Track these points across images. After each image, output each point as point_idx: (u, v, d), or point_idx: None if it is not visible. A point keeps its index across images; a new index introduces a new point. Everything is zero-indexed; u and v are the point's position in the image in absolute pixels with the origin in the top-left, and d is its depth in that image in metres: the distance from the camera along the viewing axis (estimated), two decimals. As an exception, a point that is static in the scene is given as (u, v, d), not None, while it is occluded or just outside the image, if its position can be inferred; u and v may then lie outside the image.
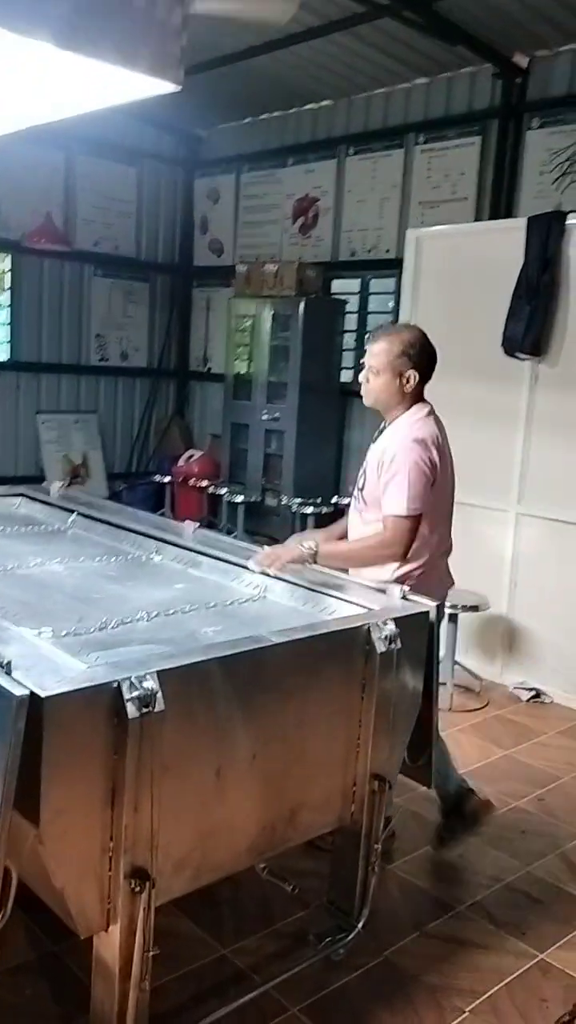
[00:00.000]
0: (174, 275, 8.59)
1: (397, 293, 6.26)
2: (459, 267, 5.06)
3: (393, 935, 2.58)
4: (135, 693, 1.77)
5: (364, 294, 7.29)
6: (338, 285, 7.44)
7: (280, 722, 2.12)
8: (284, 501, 6.83)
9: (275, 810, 2.16)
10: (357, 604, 2.46)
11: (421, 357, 2.78)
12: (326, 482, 7.11)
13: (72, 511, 3.48)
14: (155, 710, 1.79)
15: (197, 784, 1.97)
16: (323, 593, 2.57)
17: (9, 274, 7.70)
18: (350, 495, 3.01)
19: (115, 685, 1.77)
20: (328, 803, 2.30)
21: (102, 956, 1.93)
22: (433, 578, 2.82)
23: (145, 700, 1.78)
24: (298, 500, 6.57)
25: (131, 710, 1.76)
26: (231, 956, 2.46)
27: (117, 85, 1.98)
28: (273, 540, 3.44)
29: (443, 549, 2.91)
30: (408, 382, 2.77)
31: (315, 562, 2.69)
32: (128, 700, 1.76)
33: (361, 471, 2.93)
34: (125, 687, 1.77)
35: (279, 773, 2.14)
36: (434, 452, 2.72)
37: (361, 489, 2.88)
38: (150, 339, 8.50)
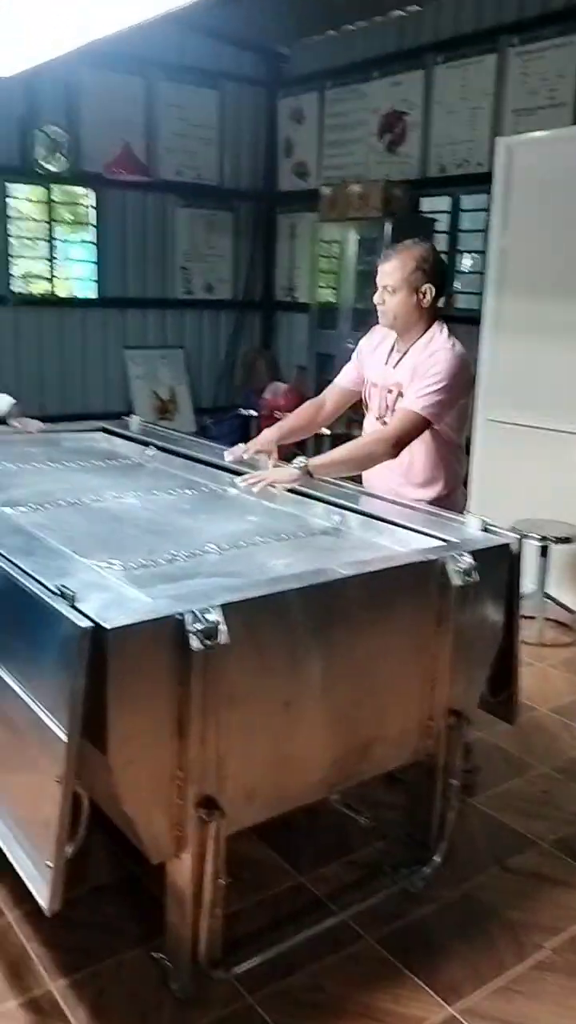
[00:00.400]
0: (258, 202, 8.40)
1: (489, 209, 5.94)
2: (555, 177, 4.73)
3: (473, 869, 2.55)
4: (198, 626, 1.75)
5: (455, 212, 6.97)
6: (427, 204, 7.12)
7: (351, 656, 2.08)
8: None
9: (347, 743, 2.13)
10: (435, 536, 2.37)
11: (435, 271, 2.79)
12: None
13: (149, 444, 3.47)
14: (219, 643, 1.76)
15: (265, 716, 1.95)
16: (401, 525, 2.48)
17: (93, 210, 7.67)
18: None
19: (179, 617, 1.75)
20: (403, 737, 2.26)
21: (175, 882, 1.96)
22: (461, 503, 2.92)
23: (208, 633, 1.75)
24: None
25: (194, 643, 1.74)
26: (308, 884, 2.48)
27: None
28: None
29: (464, 472, 2.98)
30: (425, 297, 2.77)
31: (312, 476, 2.69)
32: (191, 633, 1.74)
33: (380, 397, 2.90)
34: (188, 619, 1.75)
35: (351, 706, 2.11)
36: (471, 374, 2.77)
37: (392, 409, 2.83)
38: (234, 270, 8.38)
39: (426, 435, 2.76)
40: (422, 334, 2.82)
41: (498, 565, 2.33)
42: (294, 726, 2.01)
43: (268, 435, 3.12)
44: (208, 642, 1.75)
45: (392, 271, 2.76)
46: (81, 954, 2.20)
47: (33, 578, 1.87)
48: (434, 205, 7.08)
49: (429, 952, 2.24)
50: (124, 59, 7.34)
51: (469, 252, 7.11)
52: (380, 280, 2.80)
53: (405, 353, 2.85)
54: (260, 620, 1.90)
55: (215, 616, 1.76)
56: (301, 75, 7.98)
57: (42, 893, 1.77)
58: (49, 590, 1.80)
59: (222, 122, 8.08)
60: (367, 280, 7.04)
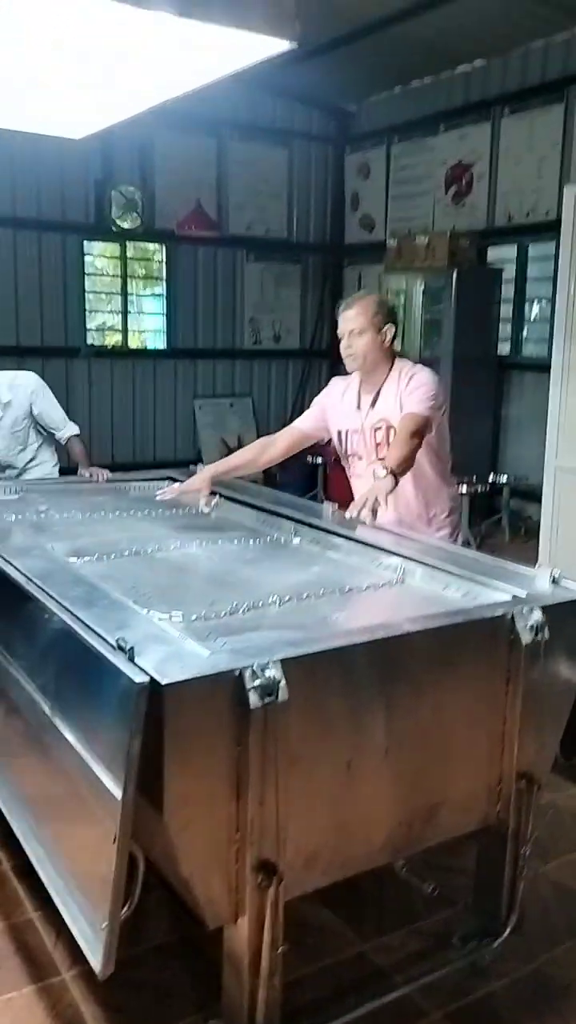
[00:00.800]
0: (325, 254, 8.53)
1: (557, 256, 5.89)
2: (625, 224, 4.67)
3: (546, 943, 2.41)
4: (257, 682, 1.70)
5: (522, 261, 6.95)
6: (493, 254, 7.14)
7: (416, 715, 2.00)
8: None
9: (411, 807, 2.05)
10: (503, 590, 2.29)
11: (392, 313, 3.05)
12: (482, 459, 6.87)
13: (215, 494, 3.47)
14: (278, 699, 1.72)
15: (327, 777, 1.89)
16: (467, 578, 2.41)
17: (164, 264, 7.89)
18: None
19: (237, 673, 1.71)
20: (470, 802, 2.17)
21: (232, 948, 1.90)
22: (458, 518, 3.24)
23: (267, 689, 1.71)
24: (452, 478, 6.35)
25: (253, 699, 1.70)
26: (371, 953, 2.38)
27: (232, 49, 1.89)
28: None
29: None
30: (387, 336, 2.98)
31: (397, 483, 2.73)
32: (250, 689, 1.70)
33: (365, 439, 3.05)
34: (247, 675, 1.71)
35: (415, 768, 2.03)
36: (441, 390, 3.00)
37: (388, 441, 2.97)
38: (302, 320, 8.48)
39: (428, 459, 3.00)
40: (388, 372, 3.02)
41: (570, 620, 2.24)
42: (356, 788, 1.94)
43: (204, 474, 3.31)
44: (267, 699, 1.71)
45: (356, 315, 2.96)
46: (137, 1018, 2.14)
47: (92, 630, 1.86)
48: (501, 254, 7.08)
49: (499, 1032, 2.12)
50: (197, 120, 7.59)
51: (537, 300, 7.06)
52: (345, 326, 2.98)
53: (378, 393, 3.03)
54: (321, 676, 1.85)
55: (274, 672, 1.72)
56: (368, 131, 8.13)
57: (95, 955, 1.74)
58: (107, 643, 1.78)
59: (291, 178, 8.26)
60: (434, 328, 7.05)
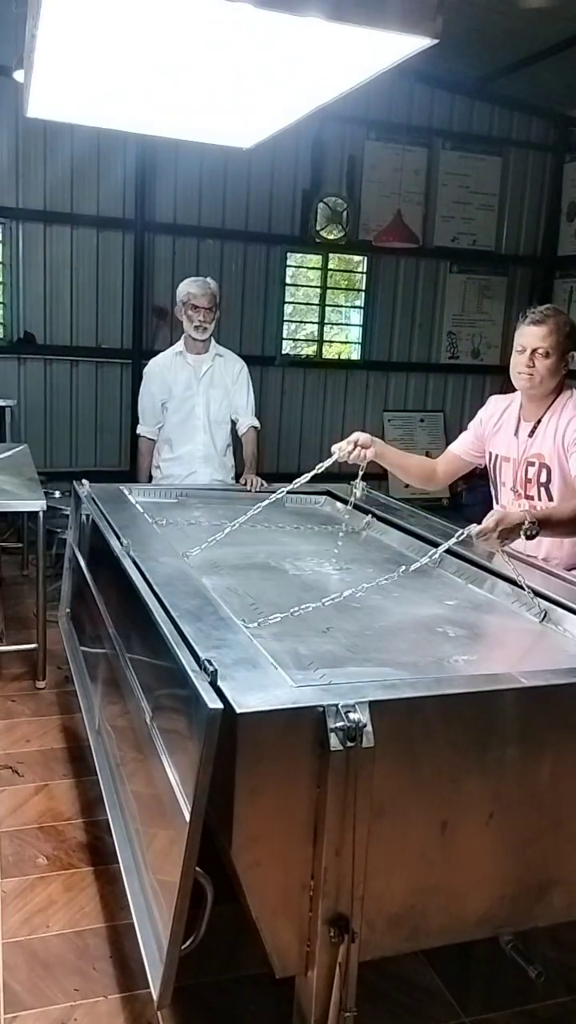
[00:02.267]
0: (535, 267, 8.14)
1: None
2: None
3: None
4: (340, 724, 1.58)
5: None
6: None
7: (530, 780, 1.79)
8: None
9: (518, 882, 1.83)
10: None
11: (575, 336, 2.76)
12: None
13: (369, 512, 3.36)
14: (362, 745, 1.59)
15: (417, 836, 1.73)
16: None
17: (365, 275, 7.84)
18: None
19: (320, 711, 1.60)
20: (591, 884, 1.91)
21: (300, 1001, 1.79)
22: None
23: (351, 733, 1.58)
24: None
25: (334, 741, 1.58)
26: (472, 1028, 2.17)
27: (371, 50, 1.78)
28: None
29: None
30: (569, 363, 2.76)
31: (532, 538, 2.37)
32: (332, 730, 1.58)
33: (515, 471, 2.83)
34: (330, 715, 1.59)
35: (525, 840, 1.81)
36: None
37: (545, 484, 2.75)
38: (504, 335, 8.13)
39: None
40: (554, 400, 2.79)
41: None
42: (451, 852, 1.76)
43: (376, 443, 3.08)
44: (350, 743, 1.59)
45: (548, 335, 2.69)
46: (213, 1048, 2.07)
47: (188, 645, 1.82)
48: None
49: None
50: (408, 130, 7.50)
51: None
52: (530, 343, 2.71)
53: (538, 421, 2.80)
54: (417, 724, 1.69)
55: (360, 715, 1.59)
56: (591, 137, 7.66)
57: (155, 981, 1.68)
58: (197, 661, 1.73)
59: (504, 188, 7.96)
60: None
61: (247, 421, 4.35)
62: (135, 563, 2.41)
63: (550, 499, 2.74)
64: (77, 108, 2.75)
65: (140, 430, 4.38)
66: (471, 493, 7.69)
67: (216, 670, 1.65)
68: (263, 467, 6.28)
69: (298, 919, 1.68)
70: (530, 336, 2.72)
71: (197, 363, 4.23)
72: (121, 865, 2.07)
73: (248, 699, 1.60)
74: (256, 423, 4.39)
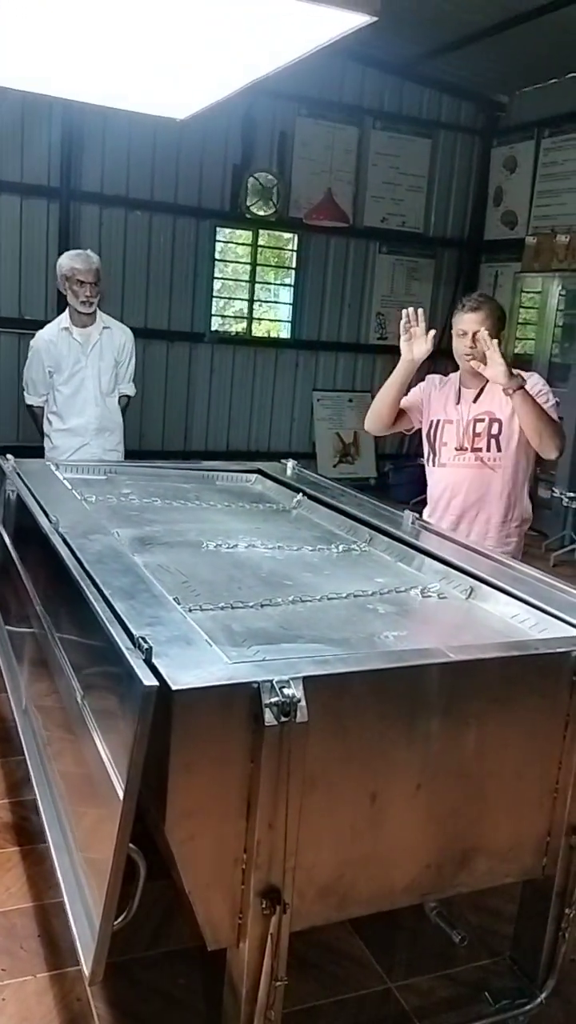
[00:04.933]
0: (461, 250, 8.26)
1: None
2: None
3: (589, 1014, 2.20)
4: (274, 699, 1.60)
5: None
6: None
7: (455, 752, 1.84)
8: (557, 493, 6.28)
9: (443, 850, 1.89)
10: (574, 624, 2.09)
11: (504, 318, 3.21)
12: (605, 476, 6.45)
13: (300, 491, 3.38)
14: (296, 720, 1.61)
15: (347, 807, 1.76)
16: (539, 607, 2.21)
17: (295, 253, 7.83)
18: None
19: (254, 687, 1.61)
20: (513, 852, 1.98)
21: (231, 973, 1.81)
22: (524, 533, 3.26)
23: (285, 708, 1.60)
24: (570, 494, 6.02)
25: (268, 717, 1.60)
26: (397, 992, 2.24)
27: (311, 24, 1.78)
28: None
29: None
30: (502, 336, 3.11)
31: (515, 391, 2.94)
32: (266, 705, 1.60)
33: (460, 430, 3.15)
34: (265, 691, 1.61)
35: (450, 809, 1.87)
36: None
37: (496, 435, 3.09)
38: (432, 317, 8.21)
39: (524, 465, 3.13)
40: None
41: None
42: (381, 822, 1.80)
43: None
44: (284, 718, 1.60)
45: (484, 319, 3.06)
46: (142, 1023, 2.08)
47: (121, 623, 1.81)
48: None
49: None
50: (339, 108, 7.49)
51: None
52: (470, 327, 3.07)
53: (482, 390, 3.14)
54: (348, 699, 1.72)
55: (294, 691, 1.61)
56: (518, 123, 7.80)
57: (87, 958, 1.68)
58: (131, 638, 1.72)
59: (432, 170, 8.04)
60: (569, 333, 6.70)
61: (124, 389, 4.36)
62: (64, 541, 2.38)
63: (499, 448, 3.10)
64: (2, 70, 2.66)
65: (31, 400, 4.33)
66: (397, 473, 7.81)
67: (151, 647, 1.65)
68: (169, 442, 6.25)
69: (230, 892, 1.70)
70: (469, 321, 3.08)
71: (84, 336, 4.19)
72: (51, 844, 2.05)
73: (183, 676, 1.60)
74: (132, 391, 4.40)
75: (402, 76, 7.66)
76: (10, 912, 2.41)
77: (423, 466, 3.33)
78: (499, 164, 8.00)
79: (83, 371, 4.19)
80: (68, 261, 4.10)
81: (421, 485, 7.90)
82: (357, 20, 1.68)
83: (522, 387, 2.96)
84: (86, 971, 1.66)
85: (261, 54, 2.15)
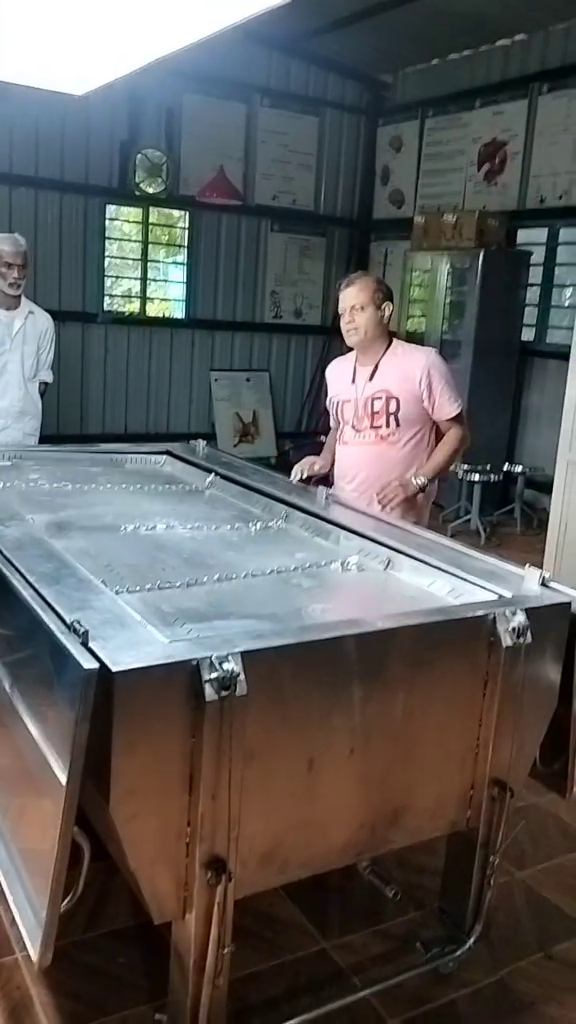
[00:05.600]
0: (352, 228, 8.37)
1: (586, 243, 5.73)
2: None
3: (512, 953, 2.34)
4: (214, 674, 1.63)
5: (552, 245, 6.76)
6: (524, 236, 6.95)
7: (384, 715, 1.92)
8: (452, 467, 6.48)
9: (375, 810, 1.97)
10: (489, 589, 2.20)
11: (389, 293, 3.20)
12: (497, 448, 6.73)
13: (211, 471, 3.40)
14: (236, 694, 1.64)
15: (286, 775, 1.82)
16: (455, 575, 2.32)
17: (187, 231, 7.76)
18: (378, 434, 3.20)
19: (194, 664, 1.64)
20: (439, 807, 2.09)
21: (178, 944, 1.85)
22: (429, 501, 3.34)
23: (225, 683, 1.63)
24: (465, 467, 6.23)
25: (209, 692, 1.63)
26: (332, 951, 2.32)
27: (219, 6, 1.78)
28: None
29: None
30: (386, 312, 3.15)
31: (423, 490, 3.11)
32: (206, 681, 1.63)
33: (356, 407, 3.19)
34: (204, 667, 1.64)
35: (382, 770, 1.95)
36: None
37: (395, 413, 3.13)
38: (324, 295, 8.34)
39: (426, 436, 3.20)
40: (386, 348, 3.19)
41: (557, 625, 2.14)
42: (318, 787, 1.86)
43: (323, 462, 3.42)
44: (224, 692, 1.64)
45: (358, 292, 3.11)
46: (87, 1004, 2.10)
47: (52, 609, 1.80)
48: (531, 237, 6.89)
49: (455, 1044, 2.06)
50: (227, 85, 7.43)
51: (566, 286, 6.88)
52: (347, 303, 3.14)
53: (375, 367, 3.18)
54: (284, 671, 1.77)
55: (233, 665, 1.64)
56: (402, 103, 7.93)
57: (34, 944, 1.68)
58: (64, 624, 1.71)
59: (320, 148, 8.09)
60: (457, 311, 6.90)
61: (43, 375, 4.35)
62: (-20, 528, 2.33)
63: (398, 424, 3.16)
64: None
65: None
66: (297, 451, 7.88)
67: (87, 630, 1.65)
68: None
69: (175, 866, 1.73)
70: (345, 299, 3.16)
71: (9, 319, 4.16)
72: (-16, 835, 2.02)
73: (122, 657, 1.61)
74: (50, 378, 4.40)
75: (288, 53, 7.67)
76: None
77: (322, 444, 3.46)
78: (385, 143, 8.13)
79: (7, 354, 4.16)
80: None
81: (321, 462, 7.94)
82: (269, 2, 1.69)
83: (421, 486, 3.09)
84: (34, 956, 1.66)
85: (166, 32, 2.14)
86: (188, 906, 1.76)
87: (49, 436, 6.88)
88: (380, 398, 3.16)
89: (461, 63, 7.32)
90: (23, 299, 4.23)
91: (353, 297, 3.12)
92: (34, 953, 1.67)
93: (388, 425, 3.17)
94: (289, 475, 3.30)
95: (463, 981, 2.23)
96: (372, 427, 3.19)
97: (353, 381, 3.24)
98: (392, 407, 3.15)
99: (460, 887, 2.25)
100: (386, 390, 3.15)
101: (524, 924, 2.47)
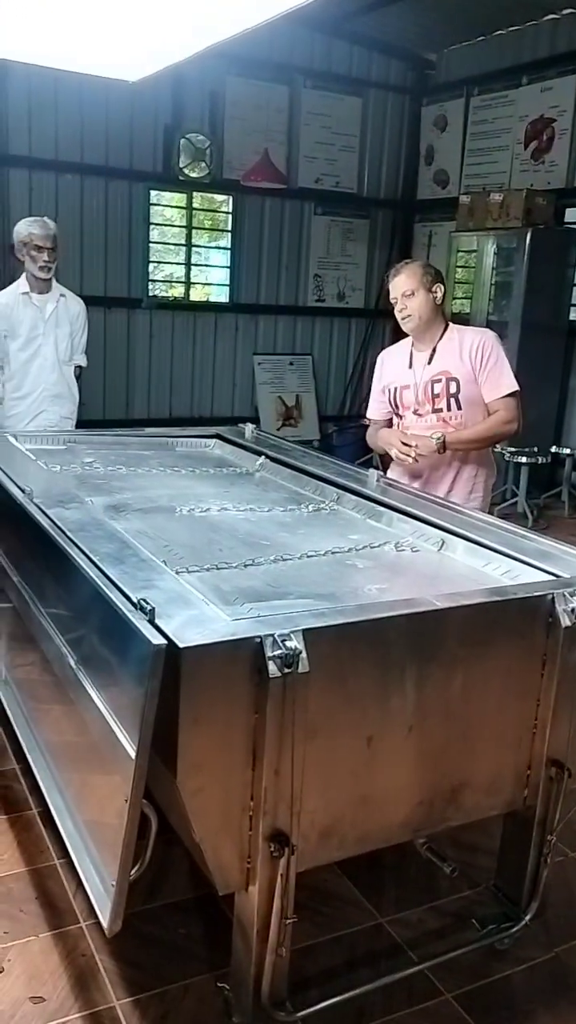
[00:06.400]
0: (396, 210, 8.31)
1: None
2: None
3: (568, 931, 2.35)
4: (277, 652, 1.66)
5: (601, 223, 6.64)
6: (572, 214, 6.84)
7: (443, 694, 1.94)
8: (497, 449, 6.43)
9: (434, 787, 2.00)
10: (544, 570, 2.20)
11: (439, 275, 3.21)
12: (544, 430, 6.66)
13: (261, 454, 3.43)
14: (298, 671, 1.67)
15: (346, 751, 1.85)
16: (510, 556, 2.32)
17: (231, 216, 7.76)
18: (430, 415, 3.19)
19: (257, 641, 1.67)
20: (497, 785, 2.10)
21: (241, 916, 1.89)
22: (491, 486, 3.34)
23: (288, 660, 1.66)
24: (512, 449, 6.18)
25: (272, 669, 1.66)
26: (388, 927, 2.35)
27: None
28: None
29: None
30: (438, 294, 3.15)
31: (443, 451, 3.06)
32: (270, 658, 1.66)
33: (418, 392, 3.18)
34: (267, 644, 1.67)
35: (439, 748, 1.97)
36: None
37: (455, 394, 3.12)
38: (368, 278, 8.30)
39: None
40: (443, 332, 3.19)
41: (615, 605, 2.13)
42: (377, 764, 1.89)
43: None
44: (287, 669, 1.67)
45: (407, 279, 3.13)
46: (149, 973, 2.15)
47: (118, 588, 1.84)
48: (579, 215, 6.78)
49: (510, 1017, 2.08)
50: (270, 67, 7.40)
51: (615, 265, 6.76)
52: (397, 291, 3.15)
53: (434, 350, 3.17)
54: (345, 649, 1.80)
55: (295, 643, 1.68)
56: (447, 82, 7.83)
57: (104, 912, 1.74)
58: (131, 602, 1.76)
59: (364, 129, 8.03)
60: (504, 291, 6.83)
61: (77, 359, 4.39)
62: (42, 510, 2.38)
63: (459, 407, 3.13)
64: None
65: None
66: (340, 435, 7.89)
67: (153, 608, 1.69)
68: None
69: (239, 838, 1.77)
70: (395, 288, 3.18)
71: (42, 303, 4.19)
72: (52, 808, 2.09)
73: (189, 634, 1.65)
74: (84, 362, 4.43)
75: (331, 34, 7.61)
76: (5, 878, 2.44)
77: (366, 427, 3.46)
78: (430, 123, 8.04)
79: (41, 337, 4.18)
80: (26, 227, 4.08)
81: (364, 446, 8.02)
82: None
83: (443, 441, 3.03)
84: (105, 923, 1.72)
85: (221, 19, 2.15)
86: (252, 878, 1.81)
87: (96, 421, 6.99)
88: (440, 380, 3.15)
89: (507, 39, 7.20)
90: (54, 283, 4.25)
91: (403, 284, 3.13)
92: (105, 920, 1.73)
93: (450, 408, 3.15)
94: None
95: (519, 958, 2.24)
96: (434, 410, 3.17)
97: (410, 366, 3.23)
98: (452, 388, 3.14)
99: (516, 865, 2.27)
100: (446, 371, 3.15)
101: (579, 903, 2.48)
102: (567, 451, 6.58)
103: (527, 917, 2.24)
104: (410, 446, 3.07)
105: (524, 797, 2.14)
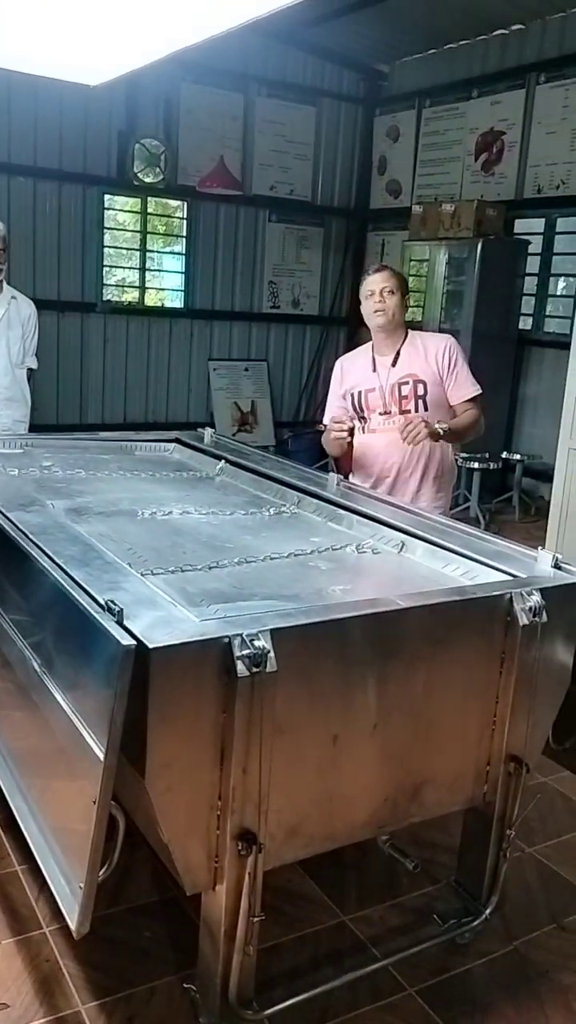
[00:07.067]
0: (349, 219, 8.40)
1: (585, 232, 5.77)
2: None
3: (525, 925, 2.41)
4: (245, 651, 1.68)
5: (549, 234, 6.80)
6: (521, 225, 6.99)
7: (405, 692, 1.98)
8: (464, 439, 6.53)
9: (397, 784, 2.03)
10: (502, 570, 2.25)
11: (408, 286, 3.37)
12: (495, 436, 6.77)
13: (221, 458, 3.44)
14: (266, 670, 1.70)
15: (312, 750, 1.87)
16: (468, 557, 2.38)
17: (185, 221, 7.77)
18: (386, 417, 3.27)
19: (226, 641, 1.69)
20: (457, 782, 2.15)
21: (208, 915, 1.90)
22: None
23: (256, 659, 1.68)
24: (464, 455, 6.28)
25: (241, 668, 1.68)
26: (351, 924, 2.38)
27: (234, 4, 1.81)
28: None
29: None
30: (408, 302, 3.33)
31: (438, 439, 3.16)
32: (238, 658, 1.68)
33: (384, 394, 3.24)
34: (236, 644, 1.69)
35: (403, 746, 2.01)
36: None
37: (423, 396, 3.21)
38: (322, 285, 8.37)
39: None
40: (404, 336, 3.30)
41: (570, 605, 2.20)
42: (342, 761, 1.92)
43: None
44: (255, 669, 1.69)
45: (388, 278, 3.23)
46: (114, 976, 2.15)
47: (84, 590, 1.84)
48: (528, 227, 6.93)
49: (472, 1010, 2.12)
50: (225, 75, 7.44)
51: (563, 275, 6.93)
52: (377, 285, 3.22)
53: (397, 354, 3.26)
54: (311, 648, 1.82)
55: (263, 642, 1.70)
56: (399, 93, 7.95)
57: (72, 914, 1.73)
58: (98, 604, 1.76)
59: (318, 138, 8.11)
60: (455, 300, 6.94)
61: (28, 362, 4.33)
62: (3, 514, 2.37)
63: (426, 408, 3.21)
64: None
65: None
66: (296, 440, 7.94)
67: (121, 610, 1.69)
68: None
69: (207, 837, 1.78)
70: (375, 282, 3.24)
71: None
72: (15, 812, 2.07)
73: (157, 635, 1.66)
74: (35, 364, 4.38)
75: (285, 43, 7.67)
76: (-36, 886, 2.41)
77: (321, 432, 3.52)
78: (382, 133, 8.15)
79: None
80: None
81: (320, 451, 8.07)
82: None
83: (438, 432, 3.09)
84: (73, 926, 1.71)
85: (185, 25, 2.17)
86: (219, 877, 1.82)
87: (49, 425, 6.93)
88: (407, 383, 3.22)
89: (458, 52, 7.34)
90: (5, 285, 4.20)
91: (384, 280, 3.21)
92: (72, 923, 1.72)
93: (417, 409, 3.21)
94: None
95: (479, 951, 2.29)
96: (401, 412, 3.23)
97: (374, 370, 3.29)
98: (420, 390, 3.22)
99: (476, 860, 2.31)
100: (412, 374, 3.23)
101: (536, 897, 2.53)
102: (517, 457, 6.71)
103: (487, 911, 2.28)
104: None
105: (484, 793, 2.18)
